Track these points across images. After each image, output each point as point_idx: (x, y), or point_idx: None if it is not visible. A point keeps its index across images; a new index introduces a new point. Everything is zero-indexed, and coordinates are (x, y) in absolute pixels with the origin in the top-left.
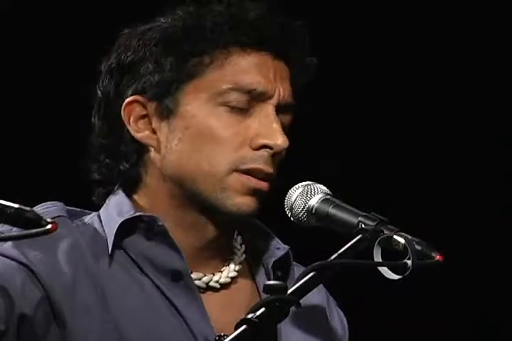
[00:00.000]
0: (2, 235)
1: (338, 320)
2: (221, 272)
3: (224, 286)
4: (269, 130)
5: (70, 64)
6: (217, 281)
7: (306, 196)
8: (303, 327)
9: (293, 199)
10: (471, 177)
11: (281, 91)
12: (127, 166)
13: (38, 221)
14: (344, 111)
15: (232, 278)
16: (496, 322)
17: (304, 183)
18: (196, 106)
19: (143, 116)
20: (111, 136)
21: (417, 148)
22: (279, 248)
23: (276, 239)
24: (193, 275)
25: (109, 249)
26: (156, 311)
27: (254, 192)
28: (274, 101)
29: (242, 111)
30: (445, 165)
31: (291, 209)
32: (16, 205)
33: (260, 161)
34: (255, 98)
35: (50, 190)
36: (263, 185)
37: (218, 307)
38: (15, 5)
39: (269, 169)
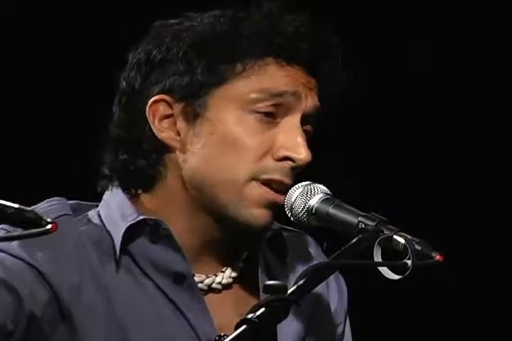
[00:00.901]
0: (2, 235)
1: (335, 289)
2: (223, 272)
3: (226, 286)
4: (293, 143)
5: (69, 64)
6: (219, 282)
7: (306, 196)
8: (298, 313)
9: (293, 199)
10: (471, 177)
11: (310, 99)
12: (145, 164)
13: (38, 221)
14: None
15: (234, 278)
16: (495, 322)
17: (303, 183)
18: (224, 112)
19: (168, 116)
20: (131, 129)
21: (416, 147)
22: (271, 228)
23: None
24: (196, 278)
25: (117, 254)
26: (159, 313)
27: (271, 205)
28: (301, 108)
29: (270, 120)
30: (445, 164)
31: (291, 209)
32: (16, 205)
33: (281, 173)
34: (284, 104)
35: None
36: (281, 199)
37: (221, 308)
38: (15, 5)
39: (288, 181)
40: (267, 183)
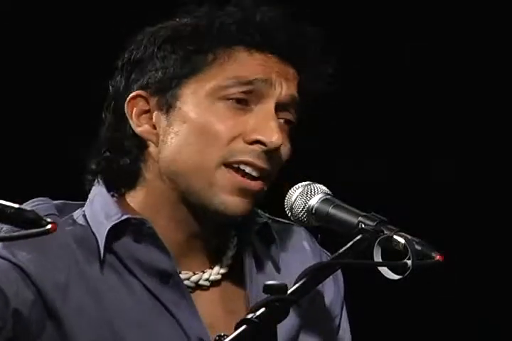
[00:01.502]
0: (2, 235)
1: (332, 285)
2: (211, 269)
3: (215, 283)
4: (265, 126)
5: (70, 64)
6: (206, 279)
7: (306, 196)
8: (296, 314)
9: (293, 199)
10: (471, 177)
11: (284, 90)
12: (127, 161)
13: (38, 221)
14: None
15: (223, 275)
16: (496, 322)
17: (304, 183)
18: (195, 100)
19: (145, 111)
20: (116, 130)
21: (416, 147)
22: (260, 217)
23: (258, 213)
24: (182, 275)
25: (101, 254)
26: (147, 312)
27: (243, 192)
28: (274, 96)
29: (242, 107)
30: (445, 164)
31: (291, 209)
32: (16, 205)
33: (252, 155)
34: (256, 91)
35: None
36: (252, 185)
37: (209, 305)
38: (15, 5)
39: (261, 164)
40: (238, 169)
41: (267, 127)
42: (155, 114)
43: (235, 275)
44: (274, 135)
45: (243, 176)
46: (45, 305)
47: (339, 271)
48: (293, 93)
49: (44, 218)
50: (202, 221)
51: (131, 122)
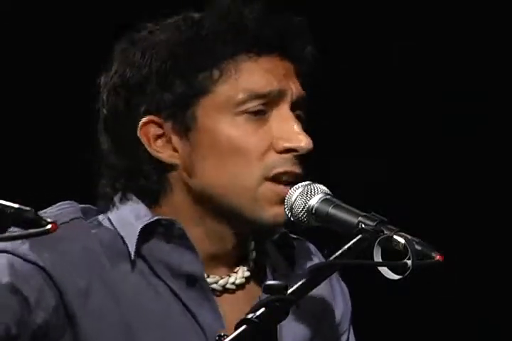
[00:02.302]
0: (2, 235)
1: (340, 296)
2: (236, 273)
3: (239, 287)
4: (290, 132)
5: (69, 64)
6: (233, 283)
7: (306, 196)
8: (303, 319)
9: (293, 199)
10: (471, 177)
11: (294, 88)
12: (147, 184)
13: (38, 221)
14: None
15: (247, 278)
16: (496, 322)
17: (303, 183)
18: (214, 119)
19: (160, 136)
20: (126, 156)
21: (415, 146)
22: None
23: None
24: (210, 279)
25: (132, 255)
26: (170, 315)
27: (284, 200)
28: (288, 100)
29: (260, 116)
30: (444, 164)
31: (291, 209)
32: (16, 205)
33: (288, 164)
34: (271, 100)
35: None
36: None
37: (234, 309)
38: (15, 5)
39: (298, 170)
40: (278, 179)
41: (292, 133)
42: (174, 137)
43: (257, 279)
44: (302, 140)
45: (285, 185)
46: (65, 310)
47: (346, 290)
48: (301, 90)
49: (44, 218)
50: (232, 234)
51: (148, 148)
